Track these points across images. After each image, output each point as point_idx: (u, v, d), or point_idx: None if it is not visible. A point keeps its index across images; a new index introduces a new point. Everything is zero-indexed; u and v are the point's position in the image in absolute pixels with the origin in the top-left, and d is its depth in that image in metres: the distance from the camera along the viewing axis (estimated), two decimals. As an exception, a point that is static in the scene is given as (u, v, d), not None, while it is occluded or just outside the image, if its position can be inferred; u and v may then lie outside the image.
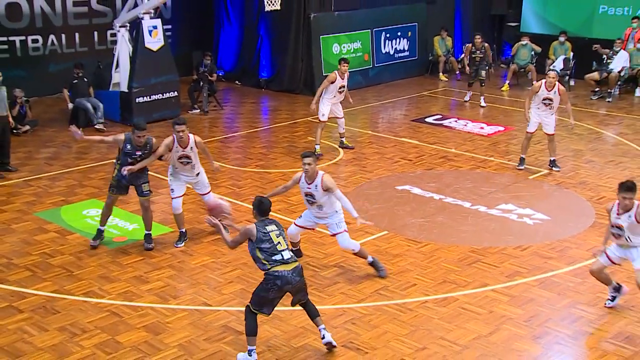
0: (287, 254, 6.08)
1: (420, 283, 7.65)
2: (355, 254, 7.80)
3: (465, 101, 15.81)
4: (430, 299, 7.30)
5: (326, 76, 12.40)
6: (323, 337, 6.26)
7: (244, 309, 6.22)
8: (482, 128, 14.01)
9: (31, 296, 7.28)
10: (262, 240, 6.02)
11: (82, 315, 6.92)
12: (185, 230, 8.77)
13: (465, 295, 7.36)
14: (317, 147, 12.02)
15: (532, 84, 12.05)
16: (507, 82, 17.49)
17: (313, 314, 6.32)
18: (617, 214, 6.78)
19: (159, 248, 8.50)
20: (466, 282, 7.66)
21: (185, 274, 7.84)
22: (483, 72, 15.62)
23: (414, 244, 8.65)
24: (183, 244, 8.63)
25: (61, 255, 8.23)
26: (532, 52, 17.55)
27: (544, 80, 10.96)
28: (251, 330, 6.07)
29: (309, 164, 7.48)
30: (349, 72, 12.25)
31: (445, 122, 14.44)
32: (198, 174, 8.64)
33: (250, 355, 6.09)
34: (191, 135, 8.43)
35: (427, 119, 14.67)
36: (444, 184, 10.73)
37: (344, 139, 12.57)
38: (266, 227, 6.09)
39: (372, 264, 7.82)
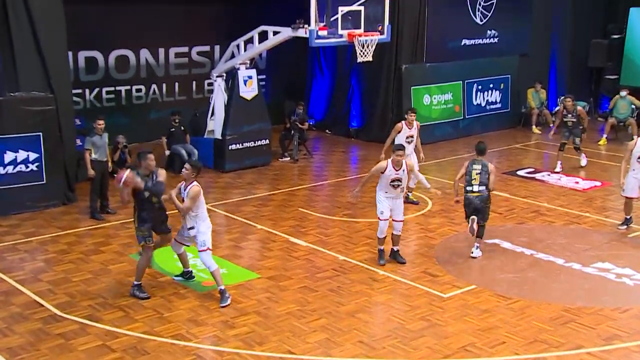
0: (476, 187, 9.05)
1: (509, 341, 7.42)
2: None
3: (557, 172, 14.40)
4: (520, 358, 7.06)
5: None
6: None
7: (327, 359, 6.17)
8: (577, 183, 13.66)
9: (123, 336, 7.44)
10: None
11: (169, 358, 7.01)
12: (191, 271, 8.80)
13: (558, 357, 7.09)
14: (409, 194, 12.17)
15: (632, 139, 11.59)
16: (605, 135, 17.06)
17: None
18: None
19: (246, 294, 8.60)
20: (559, 343, 7.38)
21: (271, 321, 7.88)
22: (577, 140, 14.41)
23: (504, 300, 8.41)
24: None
25: (153, 297, 8.38)
26: (633, 106, 17.02)
27: (638, 137, 10.57)
28: None
29: (401, 155, 9.04)
30: (440, 122, 12.22)
31: (538, 176, 14.21)
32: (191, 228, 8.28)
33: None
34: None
35: (518, 172, 14.47)
36: (535, 239, 10.45)
37: (410, 194, 12.25)
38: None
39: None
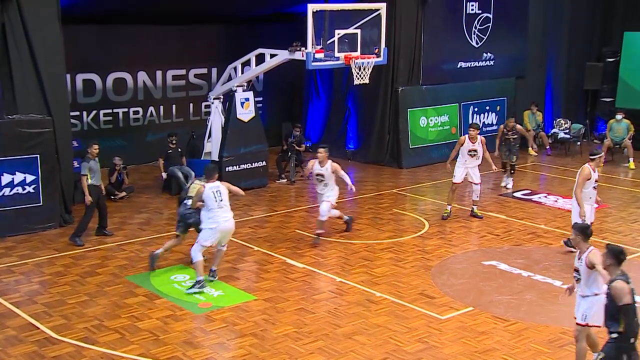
0: None
1: (507, 363, 7.41)
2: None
3: (507, 188, 14.67)
4: (517, 381, 7.00)
5: (413, 148, 12.35)
6: None
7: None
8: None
9: (119, 358, 7.41)
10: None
11: (165, 380, 6.95)
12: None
13: (555, 379, 7.02)
14: (449, 207, 12.53)
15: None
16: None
17: None
18: None
19: (242, 316, 8.58)
20: (557, 365, 7.34)
21: (268, 343, 7.84)
22: (514, 157, 14.67)
23: (501, 322, 8.39)
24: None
25: (149, 319, 8.37)
26: (628, 129, 17.24)
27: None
28: None
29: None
30: (437, 144, 12.52)
31: (535, 198, 14.20)
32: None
33: None
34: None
35: (515, 194, 14.47)
36: (533, 260, 10.43)
37: (475, 207, 12.69)
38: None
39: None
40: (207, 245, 9.27)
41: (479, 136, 12.39)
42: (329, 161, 11.09)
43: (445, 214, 12.51)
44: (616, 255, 6.00)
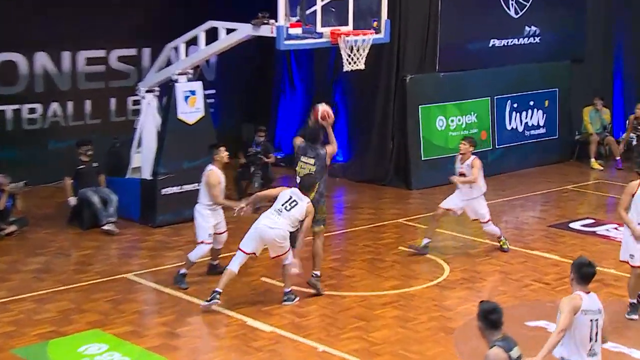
0: None
1: None
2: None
3: None
4: None
5: (426, 161, 12.49)
6: None
7: None
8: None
9: None
10: None
11: None
12: None
13: None
14: (425, 241, 12.78)
15: None
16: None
17: None
18: None
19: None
20: None
21: None
22: None
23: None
24: None
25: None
26: None
27: None
28: None
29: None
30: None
31: (600, 230, 14.26)
32: None
33: None
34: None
35: (572, 225, 14.56)
36: (598, 320, 10.39)
37: (503, 238, 13.13)
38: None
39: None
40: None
41: (473, 156, 12.58)
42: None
43: (419, 249, 12.76)
44: (485, 316, 6.46)
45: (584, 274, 7.15)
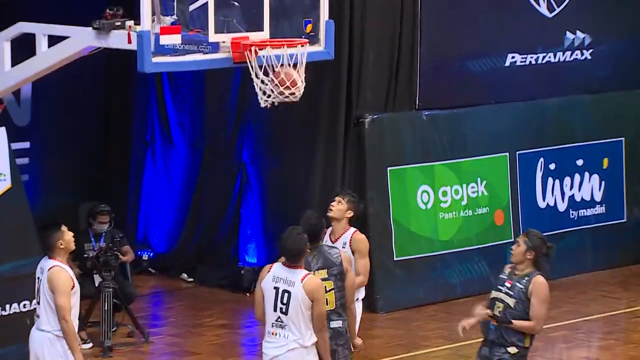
0: None
1: None
2: None
3: None
4: None
5: (401, 262, 13.84)
6: None
7: None
8: None
9: None
10: None
11: None
12: None
13: None
14: None
15: None
16: None
17: None
18: None
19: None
20: None
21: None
22: None
23: None
24: None
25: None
26: None
27: None
28: None
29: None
30: (459, 251, 15.09)
31: None
32: None
33: None
34: None
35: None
36: None
37: None
38: None
39: None
40: None
41: (352, 228, 12.85)
42: None
43: None
44: None
45: None
